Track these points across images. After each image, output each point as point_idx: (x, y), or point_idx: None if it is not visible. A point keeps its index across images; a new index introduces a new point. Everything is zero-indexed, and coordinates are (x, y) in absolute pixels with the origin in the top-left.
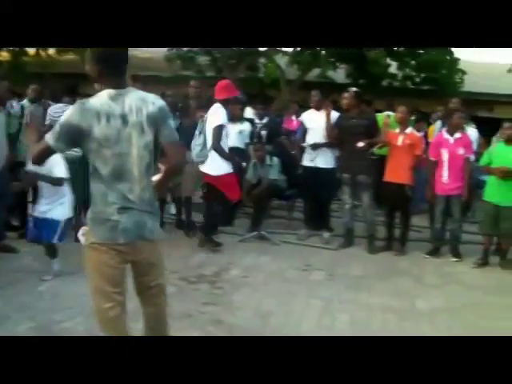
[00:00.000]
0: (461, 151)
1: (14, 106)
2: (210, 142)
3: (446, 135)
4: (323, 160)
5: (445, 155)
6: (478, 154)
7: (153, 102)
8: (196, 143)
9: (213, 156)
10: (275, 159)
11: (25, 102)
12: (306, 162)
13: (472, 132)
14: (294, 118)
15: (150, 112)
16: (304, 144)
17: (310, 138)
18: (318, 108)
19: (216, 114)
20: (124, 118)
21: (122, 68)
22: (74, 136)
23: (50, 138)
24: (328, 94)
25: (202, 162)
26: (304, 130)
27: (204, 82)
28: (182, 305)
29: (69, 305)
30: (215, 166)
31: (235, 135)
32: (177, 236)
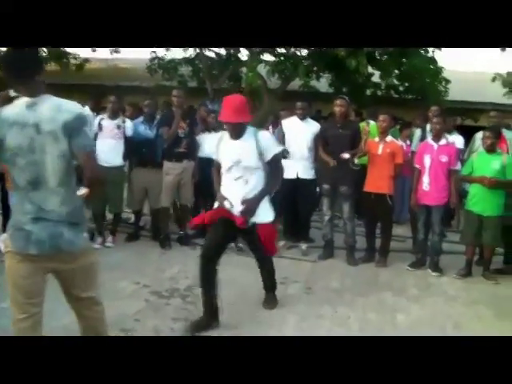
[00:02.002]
0: (444, 159)
1: None
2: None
3: (430, 142)
4: (303, 170)
5: (427, 162)
6: (464, 163)
7: (69, 109)
8: None
9: None
10: None
11: None
12: (286, 173)
13: (458, 140)
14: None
15: (65, 120)
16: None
17: (290, 147)
18: (302, 118)
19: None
20: (37, 127)
21: (28, 73)
22: None
23: None
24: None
25: None
26: (281, 137)
27: (186, 92)
28: (151, 321)
29: None
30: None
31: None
32: (151, 248)
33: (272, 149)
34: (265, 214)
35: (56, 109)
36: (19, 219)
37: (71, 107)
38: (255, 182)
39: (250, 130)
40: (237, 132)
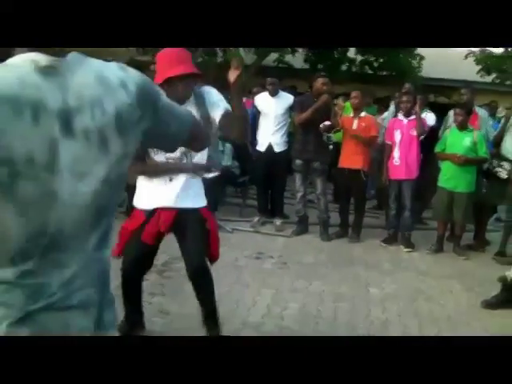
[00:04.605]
0: (414, 132)
1: None
2: None
3: (400, 117)
4: (276, 144)
5: (397, 137)
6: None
7: (123, 79)
8: None
9: None
10: (227, 145)
11: None
12: (260, 147)
13: (430, 117)
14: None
15: (122, 103)
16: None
17: (263, 122)
18: (273, 94)
19: None
20: (66, 118)
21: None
22: None
23: None
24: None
25: None
26: (255, 113)
27: None
28: None
29: None
30: None
31: None
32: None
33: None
34: (199, 197)
35: (101, 80)
36: None
37: (128, 73)
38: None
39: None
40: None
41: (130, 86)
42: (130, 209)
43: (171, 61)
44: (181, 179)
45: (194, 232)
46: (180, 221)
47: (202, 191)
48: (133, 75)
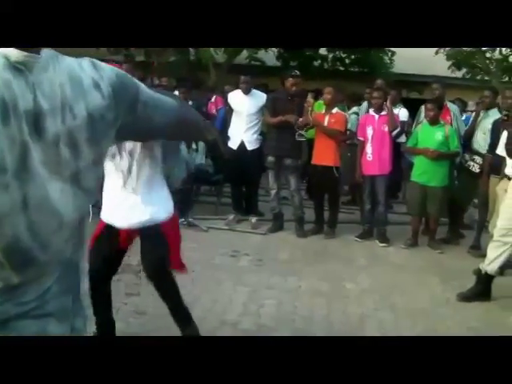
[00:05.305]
0: (386, 128)
1: None
2: None
3: (371, 113)
4: (248, 141)
5: (369, 133)
6: (409, 135)
7: (97, 79)
8: None
9: None
10: (201, 144)
11: None
12: (232, 144)
13: (402, 113)
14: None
15: (95, 105)
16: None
17: (235, 120)
18: (246, 92)
19: None
20: (36, 120)
21: None
22: None
23: None
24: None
25: None
26: (226, 111)
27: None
28: None
29: None
30: None
31: None
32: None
33: None
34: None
35: (72, 77)
36: None
37: (99, 67)
38: None
39: None
40: None
41: (104, 86)
42: None
43: None
44: (137, 194)
45: (152, 240)
46: (138, 233)
47: (163, 201)
48: (107, 73)
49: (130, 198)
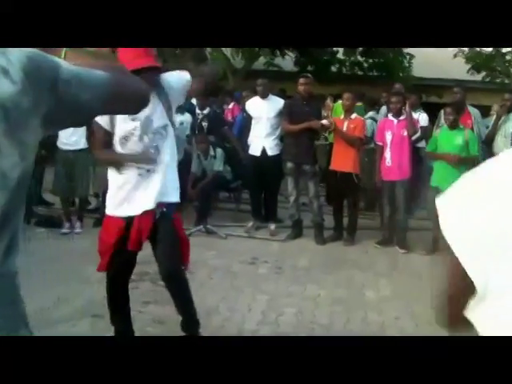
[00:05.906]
0: (405, 133)
1: None
2: None
3: (390, 117)
4: (269, 147)
5: (388, 137)
6: (429, 140)
7: (4, 66)
8: None
9: None
10: (219, 150)
11: None
12: (253, 151)
13: (422, 117)
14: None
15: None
16: None
17: (255, 127)
18: (263, 96)
19: None
20: None
21: None
22: None
23: None
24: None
25: None
26: (246, 119)
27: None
28: None
29: None
30: None
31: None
32: None
33: None
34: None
35: None
36: None
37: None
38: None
39: None
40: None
41: (14, 72)
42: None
43: (131, 55)
44: (158, 175)
45: (167, 237)
46: (156, 226)
47: (175, 185)
48: (16, 57)
49: (144, 180)
